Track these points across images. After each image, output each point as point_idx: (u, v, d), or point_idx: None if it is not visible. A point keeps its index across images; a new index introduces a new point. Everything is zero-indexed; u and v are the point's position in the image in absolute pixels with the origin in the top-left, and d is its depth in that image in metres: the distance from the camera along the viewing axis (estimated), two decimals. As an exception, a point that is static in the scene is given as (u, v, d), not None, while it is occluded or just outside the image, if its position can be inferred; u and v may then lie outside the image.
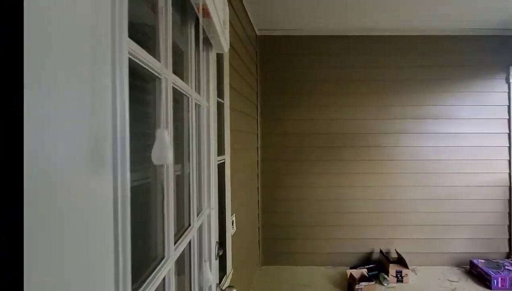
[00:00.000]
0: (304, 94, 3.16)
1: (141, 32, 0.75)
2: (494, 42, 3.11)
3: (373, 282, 2.63)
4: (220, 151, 1.68)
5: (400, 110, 3.14)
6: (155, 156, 0.48)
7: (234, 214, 1.97)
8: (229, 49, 1.85)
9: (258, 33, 3.11)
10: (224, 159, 1.72)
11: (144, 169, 0.75)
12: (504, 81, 3.13)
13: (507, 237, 3.15)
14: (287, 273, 3.04)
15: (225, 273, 1.74)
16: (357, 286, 2.57)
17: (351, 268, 2.99)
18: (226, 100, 1.73)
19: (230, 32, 1.79)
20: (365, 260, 3.16)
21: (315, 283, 2.83)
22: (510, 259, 3.12)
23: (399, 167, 3.16)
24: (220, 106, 1.67)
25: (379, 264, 3.02)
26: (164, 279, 0.73)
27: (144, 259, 0.71)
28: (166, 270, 0.72)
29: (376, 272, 2.91)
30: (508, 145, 3.13)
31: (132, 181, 0.53)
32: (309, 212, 3.17)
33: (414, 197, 3.15)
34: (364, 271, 2.82)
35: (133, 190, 0.54)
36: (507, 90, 3.13)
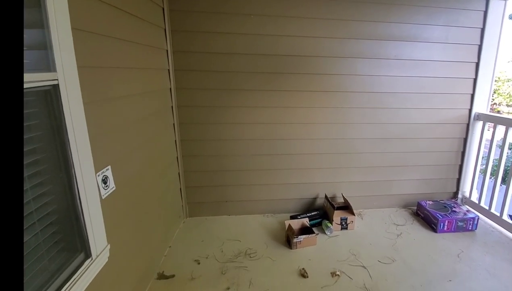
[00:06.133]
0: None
1: None
2: None
3: (314, 234, 2.25)
4: (37, 64, 0.95)
5: (357, 26, 2.47)
6: None
7: (109, 167, 1.34)
8: None
9: None
10: (57, 79, 1.00)
11: None
12: (481, -4, 2.58)
13: (457, 177, 2.97)
14: (217, 224, 2.59)
15: (88, 256, 1.18)
16: (295, 239, 2.19)
17: (291, 216, 2.62)
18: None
19: None
20: (309, 206, 2.81)
21: (248, 237, 2.40)
22: (455, 199, 3.00)
23: (349, 100, 2.62)
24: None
25: (323, 211, 2.69)
26: None
27: None
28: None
29: (319, 219, 2.58)
30: (474, 77, 2.72)
31: None
32: (243, 153, 2.62)
33: (365, 136, 2.72)
34: (305, 220, 2.45)
35: None
36: (484, 9, 2.60)
